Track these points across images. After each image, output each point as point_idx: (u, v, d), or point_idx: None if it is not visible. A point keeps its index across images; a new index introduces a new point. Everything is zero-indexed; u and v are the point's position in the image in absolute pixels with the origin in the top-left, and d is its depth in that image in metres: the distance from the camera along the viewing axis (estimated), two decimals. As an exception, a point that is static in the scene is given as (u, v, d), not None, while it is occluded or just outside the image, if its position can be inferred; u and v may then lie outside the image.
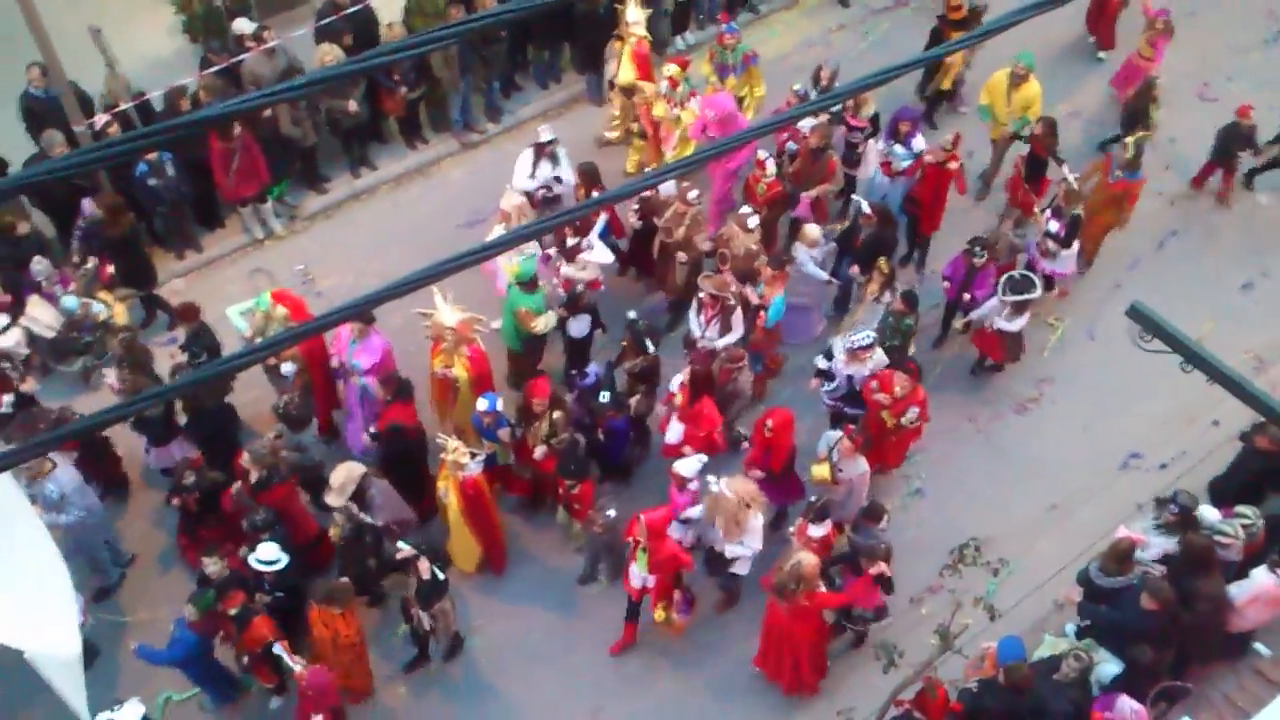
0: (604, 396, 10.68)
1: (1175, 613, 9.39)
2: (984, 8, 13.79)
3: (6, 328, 11.12)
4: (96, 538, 10.57)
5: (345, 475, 9.87)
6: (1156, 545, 10.04)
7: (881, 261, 11.57)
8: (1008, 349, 11.99)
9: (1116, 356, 11.00)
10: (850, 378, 10.93)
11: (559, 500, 10.91)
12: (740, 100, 13.24)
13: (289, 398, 10.40)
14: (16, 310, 11.38)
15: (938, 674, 9.05)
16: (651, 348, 10.99)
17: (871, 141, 12.88)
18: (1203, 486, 11.05)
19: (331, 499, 9.87)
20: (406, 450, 10.62)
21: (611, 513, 10.13)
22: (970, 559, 8.37)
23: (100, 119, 11.90)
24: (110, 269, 11.93)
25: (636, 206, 12.15)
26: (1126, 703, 8.94)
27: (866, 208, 12.02)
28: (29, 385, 10.83)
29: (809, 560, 9.27)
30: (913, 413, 10.56)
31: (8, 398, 10.68)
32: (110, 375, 10.52)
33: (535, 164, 12.27)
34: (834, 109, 12.87)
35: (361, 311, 10.11)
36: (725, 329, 11.19)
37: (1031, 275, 11.57)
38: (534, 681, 10.53)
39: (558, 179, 12.33)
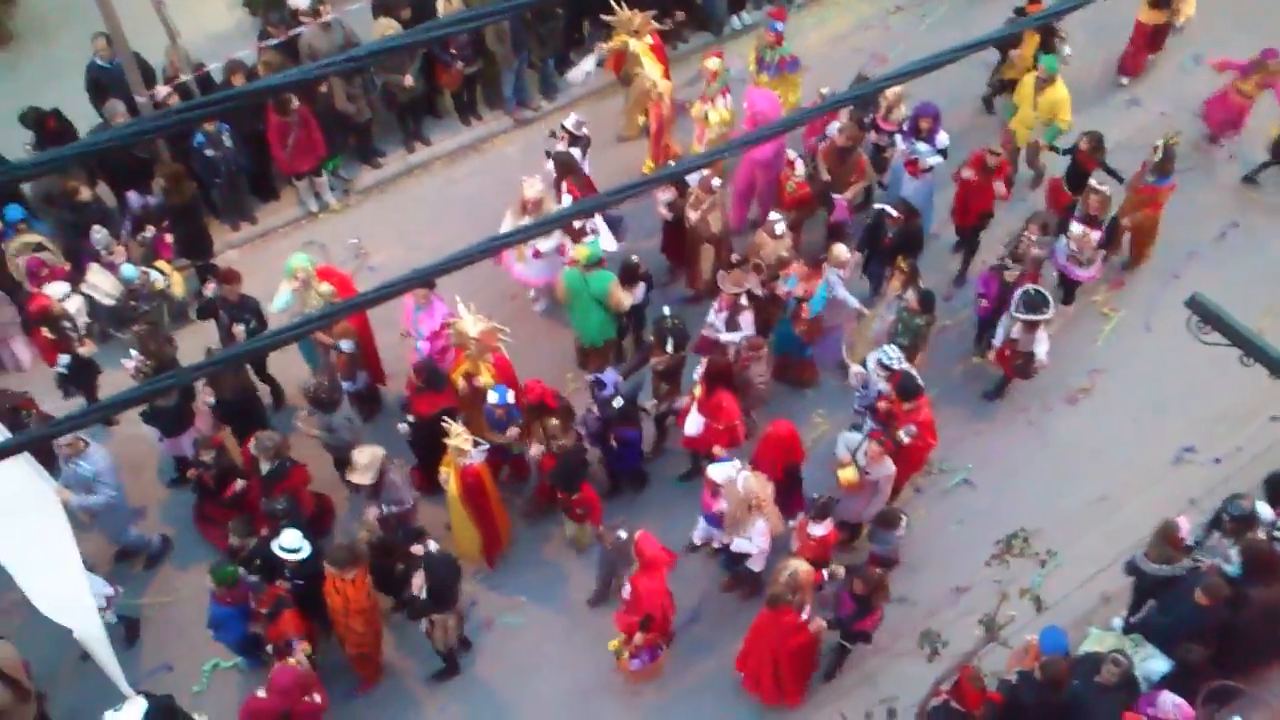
0: (617, 403, 10.52)
1: (1229, 614, 9.26)
2: None
3: (68, 295, 11.33)
4: (123, 520, 10.67)
5: (370, 456, 9.94)
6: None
7: (901, 260, 11.40)
8: (1016, 367, 11.65)
9: (1173, 348, 10.78)
10: (880, 390, 10.71)
11: (557, 507, 10.83)
12: None
13: (318, 381, 10.46)
14: (77, 277, 11.59)
15: (981, 664, 8.99)
16: (671, 347, 10.84)
17: (899, 144, 12.63)
18: (1258, 483, 10.87)
19: (357, 477, 9.90)
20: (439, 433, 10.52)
21: (622, 534, 9.93)
22: (1018, 549, 8.29)
23: (161, 90, 12.07)
24: (169, 238, 12.11)
25: (667, 200, 12.08)
26: (1169, 698, 8.82)
27: (891, 210, 11.81)
28: (88, 348, 11.02)
29: (804, 569, 9.19)
30: (909, 429, 10.29)
31: (64, 358, 10.88)
32: (131, 362, 10.53)
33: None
34: (864, 115, 12.64)
35: (423, 280, 10.24)
36: (733, 325, 11.13)
37: (1045, 293, 11.24)
38: (568, 666, 10.56)
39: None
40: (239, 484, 10.27)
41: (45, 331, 10.98)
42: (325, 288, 10.89)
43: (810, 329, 11.49)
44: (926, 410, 10.52)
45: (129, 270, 11.49)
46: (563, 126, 12.51)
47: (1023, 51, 13.38)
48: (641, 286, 11.56)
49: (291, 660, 9.04)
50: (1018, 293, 11.17)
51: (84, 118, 12.47)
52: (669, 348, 10.86)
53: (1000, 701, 9.11)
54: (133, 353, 10.52)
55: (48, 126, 12.10)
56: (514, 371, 11.04)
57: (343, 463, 10.55)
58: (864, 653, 10.46)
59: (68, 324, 10.97)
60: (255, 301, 11.15)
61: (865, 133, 12.53)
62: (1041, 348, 11.31)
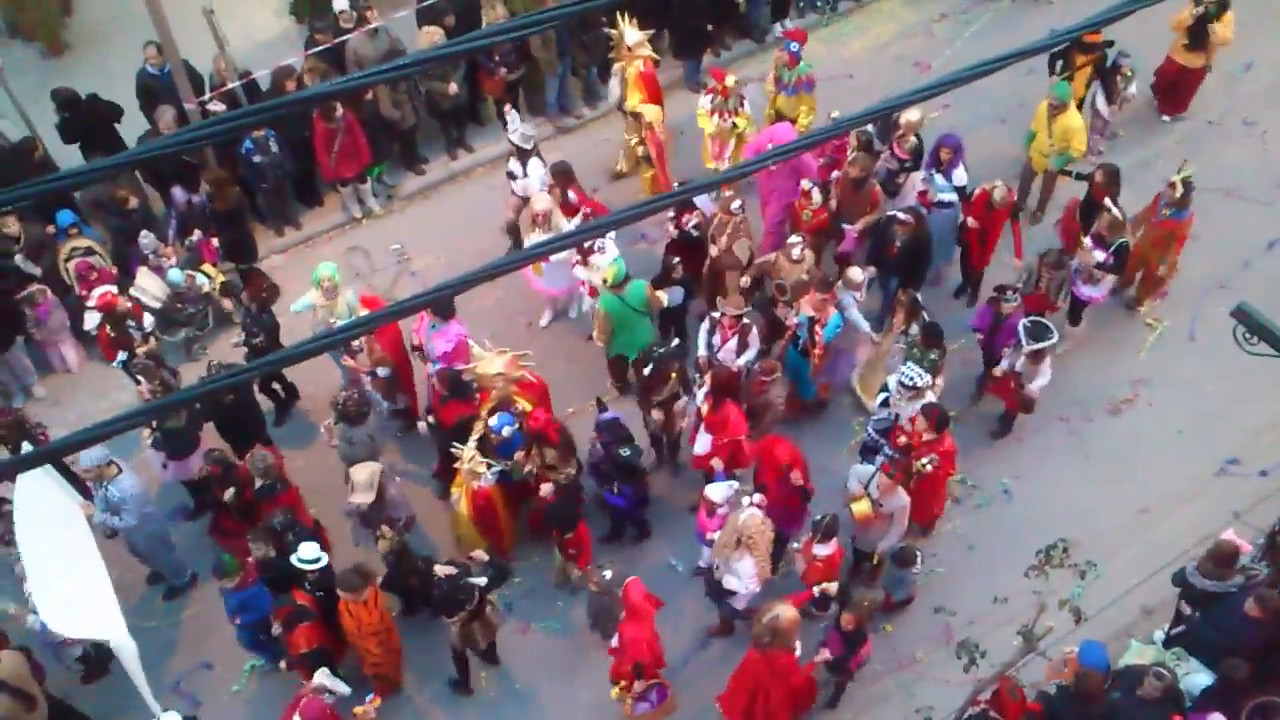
0: (625, 452, 10.33)
1: (1278, 629, 9.13)
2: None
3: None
4: (156, 544, 10.69)
5: (369, 473, 9.94)
6: None
7: (900, 294, 11.31)
8: (1021, 400, 11.48)
9: (1218, 358, 10.70)
10: (898, 416, 10.56)
11: (550, 541, 10.73)
12: (792, 121, 12.97)
13: (348, 394, 10.52)
14: (125, 281, 11.79)
15: (1020, 675, 8.92)
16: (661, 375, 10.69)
17: (914, 175, 12.41)
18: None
19: (357, 496, 9.89)
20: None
21: (608, 573, 9.76)
22: (1057, 560, 8.22)
23: (208, 98, 12.26)
24: (215, 242, 12.30)
25: (672, 215, 11.84)
26: (1218, 720, 8.72)
27: (901, 215, 11.63)
28: (147, 347, 11.15)
29: (787, 615, 8.96)
30: (932, 458, 10.10)
31: (122, 354, 11.07)
32: (143, 385, 10.60)
33: (524, 167, 12.38)
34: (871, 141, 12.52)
35: (440, 304, 10.23)
36: (743, 347, 11.03)
37: (1046, 322, 11.02)
38: (592, 675, 10.50)
39: (511, 174, 12.56)
40: (228, 494, 10.12)
41: (107, 329, 11.13)
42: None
43: (820, 359, 11.28)
44: (949, 440, 10.35)
45: (175, 274, 11.69)
46: (509, 140, 12.44)
47: (1075, 87, 12.97)
48: (680, 291, 11.53)
49: (335, 686, 9.12)
50: (1020, 325, 10.97)
51: (134, 124, 12.69)
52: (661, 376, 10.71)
53: (1040, 710, 9.04)
54: (140, 379, 10.64)
55: (75, 108, 12.36)
56: (546, 389, 11.00)
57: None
58: (900, 662, 10.42)
59: (131, 323, 11.15)
60: (273, 319, 11.19)
61: (876, 158, 12.30)
62: (1041, 380, 11.17)
